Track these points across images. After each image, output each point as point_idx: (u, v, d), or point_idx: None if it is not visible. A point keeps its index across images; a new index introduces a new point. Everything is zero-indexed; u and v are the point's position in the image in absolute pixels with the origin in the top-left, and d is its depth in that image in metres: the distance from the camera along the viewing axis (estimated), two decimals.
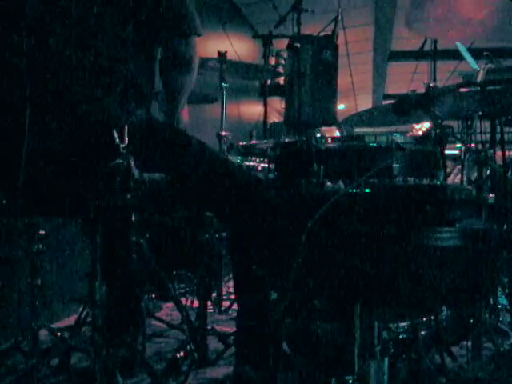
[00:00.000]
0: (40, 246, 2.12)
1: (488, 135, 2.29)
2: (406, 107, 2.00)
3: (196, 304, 2.32)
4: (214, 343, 2.26)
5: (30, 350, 2.01)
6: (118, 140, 1.33)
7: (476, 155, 2.27)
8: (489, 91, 2.01)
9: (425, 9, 2.17)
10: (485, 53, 2.49)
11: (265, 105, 4.13)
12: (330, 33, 3.50)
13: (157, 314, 2.61)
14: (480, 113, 2.29)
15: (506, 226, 2.11)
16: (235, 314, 1.89)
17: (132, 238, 2.02)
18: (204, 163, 1.66)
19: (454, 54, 2.88)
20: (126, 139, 1.34)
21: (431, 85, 2.35)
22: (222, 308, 3.00)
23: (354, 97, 11.17)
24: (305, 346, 1.70)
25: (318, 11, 3.65)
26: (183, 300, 2.68)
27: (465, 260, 1.68)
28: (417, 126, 2.49)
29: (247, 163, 2.57)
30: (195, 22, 1.68)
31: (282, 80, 3.79)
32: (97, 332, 1.48)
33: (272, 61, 3.78)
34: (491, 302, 2.16)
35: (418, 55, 3.63)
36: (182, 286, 2.78)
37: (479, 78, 2.21)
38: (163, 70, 1.76)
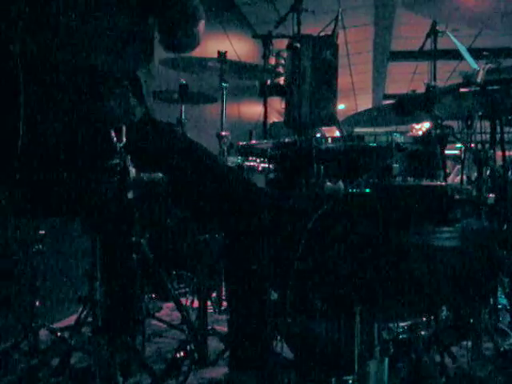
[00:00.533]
0: (40, 246, 2.12)
1: (488, 135, 2.29)
2: (406, 107, 2.00)
3: (196, 304, 2.32)
4: (214, 343, 2.26)
5: (29, 350, 2.01)
6: (115, 139, 1.33)
7: (476, 155, 2.27)
8: (489, 91, 2.01)
9: None
10: (485, 53, 2.49)
11: (265, 105, 4.12)
12: (330, 33, 3.49)
13: (157, 314, 2.61)
14: (480, 113, 2.29)
15: (506, 226, 2.10)
16: None
17: (132, 238, 2.02)
18: (202, 164, 1.66)
19: (454, 54, 2.88)
20: (124, 139, 1.34)
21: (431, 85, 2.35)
22: (222, 308, 3.00)
23: (354, 97, 11.18)
24: (305, 345, 1.70)
25: (318, 11, 3.64)
26: (183, 300, 2.68)
27: (464, 260, 1.68)
28: (417, 126, 2.49)
29: (247, 163, 2.57)
30: (200, 10, 1.67)
31: (282, 80, 3.78)
32: (97, 332, 1.48)
33: (272, 61, 3.77)
34: (491, 302, 2.15)
35: (418, 55, 3.62)
36: (182, 285, 2.79)
37: (479, 78, 2.20)
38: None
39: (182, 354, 1.96)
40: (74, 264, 2.91)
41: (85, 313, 2.26)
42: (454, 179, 3.40)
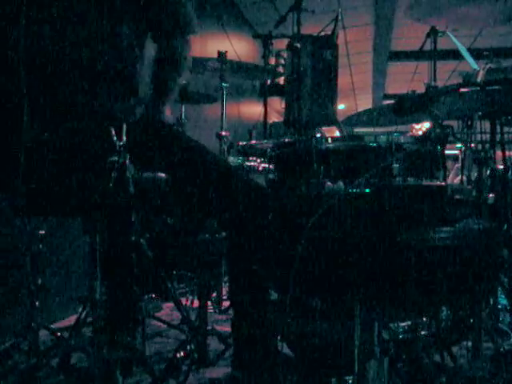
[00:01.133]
0: (40, 246, 2.12)
1: (488, 135, 2.29)
2: (406, 107, 1.99)
3: (196, 304, 2.32)
4: (214, 343, 2.26)
5: (29, 350, 2.01)
6: (115, 138, 1.33)
7: (476, 155, 2.27)
8: (489, 91, 2.00)
9: None
10: (485, 53, 2.49)
11: (265, 105, 4.13)
12: (329, 33, 3.50)
13: (157, 314, 2.61)
14: (480, 113, 2.29)
15: (506, 226, 2.11)
16: None
17: (132, 238, 2.02)
18: (203, 163, 1.66)
19: (454, 54, 2.88)
20: (124, 137, 1.34)
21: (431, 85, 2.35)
22: (222, 308, 3.00)
23: (354, 97, 11.18)
24: (305, 345, 1.70)
25: (318, 11, 3.65)
26: (183, 300, 2.68)
27: (465, 260, 1.68)
28: (417, 126, 2.49)
29: (247, 163, 2.57)
30: (193, 20, 1.69)
31: (282, 80, 3.79)
32: (97, 332, 1.48)
33: (272, 61, 3.78)
34: (491, 302, 2.15)
35: (418, 55, 3.63)
36: (182, 285, 2.79)
37: (479, 78, 2.21)
38: (158, 67, 1.75)
39: (181, 353, 1.96)
40: (74, 264, 2.91)
41: (85, 313, 2.26)
42: (453, 179, 3.41)
